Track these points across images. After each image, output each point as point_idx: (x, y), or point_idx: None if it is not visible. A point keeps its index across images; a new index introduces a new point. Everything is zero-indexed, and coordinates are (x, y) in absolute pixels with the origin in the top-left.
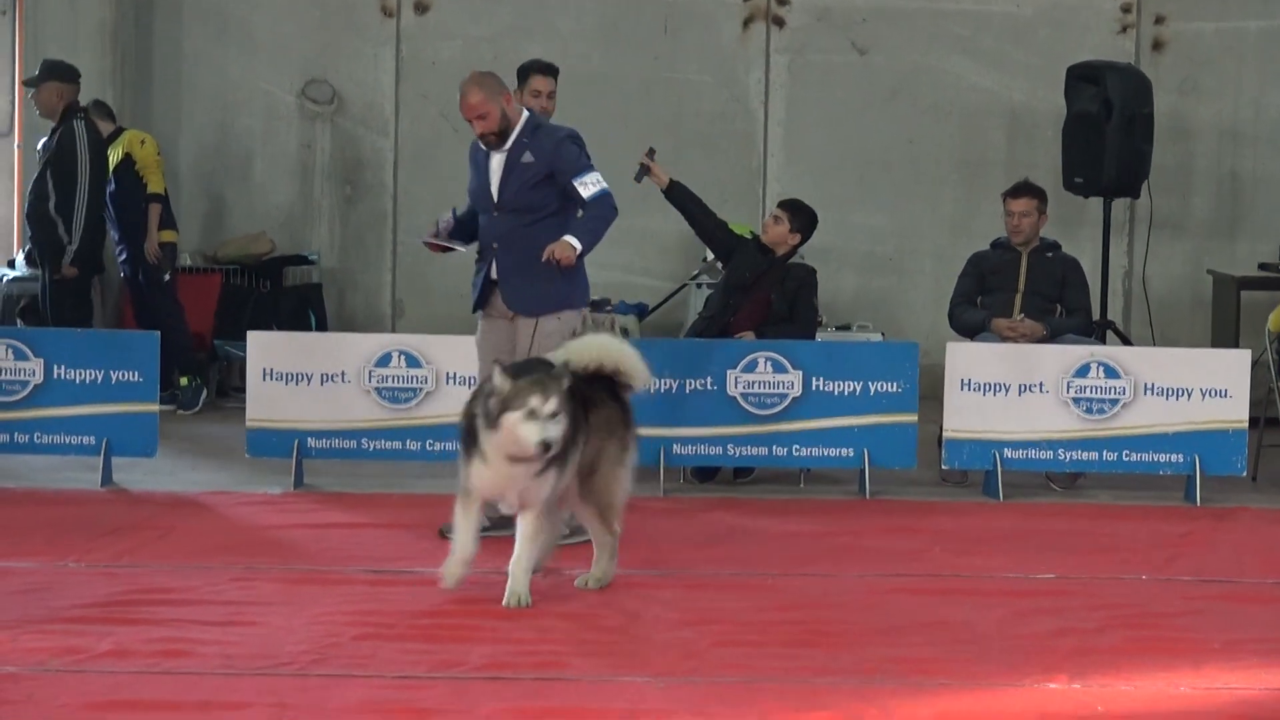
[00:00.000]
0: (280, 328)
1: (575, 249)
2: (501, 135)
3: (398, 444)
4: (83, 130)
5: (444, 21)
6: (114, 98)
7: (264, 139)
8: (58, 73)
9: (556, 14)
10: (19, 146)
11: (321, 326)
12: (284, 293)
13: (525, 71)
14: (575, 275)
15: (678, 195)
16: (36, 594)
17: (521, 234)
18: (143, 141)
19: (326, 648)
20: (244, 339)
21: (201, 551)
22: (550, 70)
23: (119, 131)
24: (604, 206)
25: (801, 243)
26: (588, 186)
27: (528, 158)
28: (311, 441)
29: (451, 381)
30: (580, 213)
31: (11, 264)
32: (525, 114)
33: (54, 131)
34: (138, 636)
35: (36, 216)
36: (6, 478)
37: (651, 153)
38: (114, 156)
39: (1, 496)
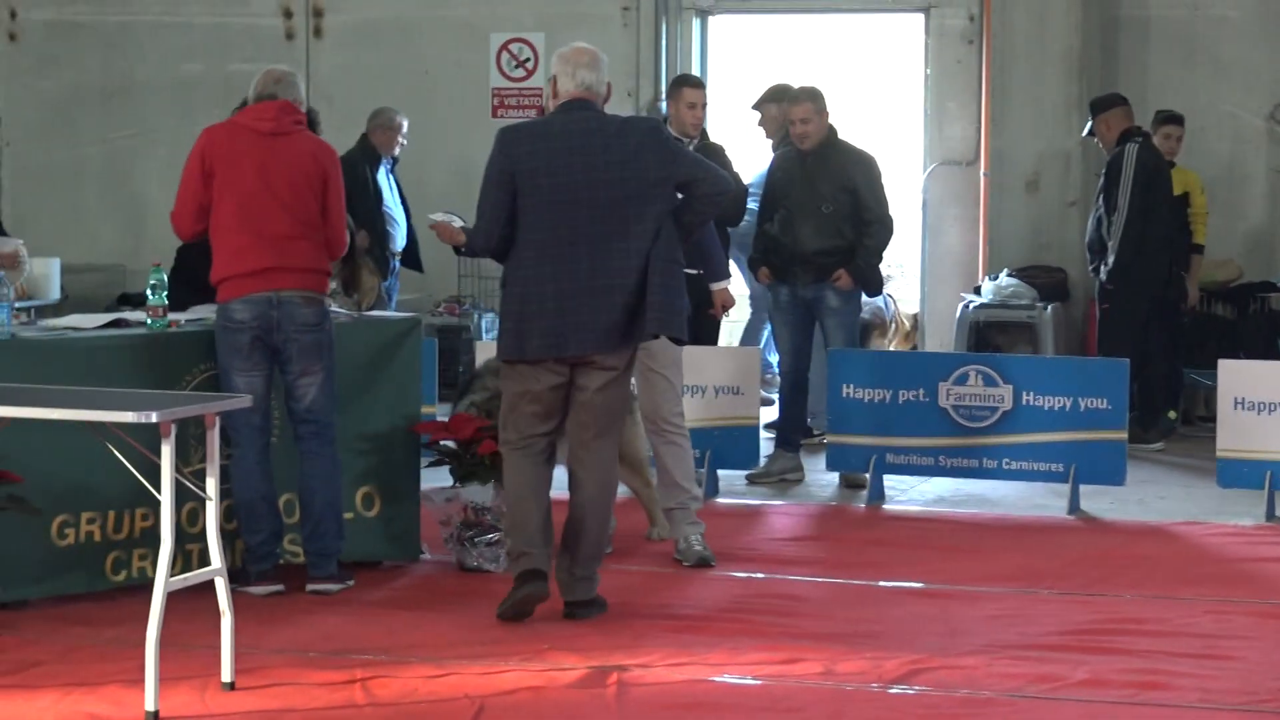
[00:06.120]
0: (1247, 356)
1: None
2: None
3: None
4: (1133, 153)
5: None
6: (1078, 122)
7: (1230, 163)
8: (1115, 102)
9: None
10: (985, 175)
11: None
12: (1250, 319)
13: None
14: None
15: None
16: (1009, 620)
17: None
18: (1202, 189)
19: None
20: (1212, 367)
21: (1172, 582)
22: None
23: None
24: None
25: None
26: None
27: None
28: None
29: None
30: None
31: (977, 290)
32: None
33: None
34: (1112, 666)
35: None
36: (976, 503)
37: None
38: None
39: (972, 522)
